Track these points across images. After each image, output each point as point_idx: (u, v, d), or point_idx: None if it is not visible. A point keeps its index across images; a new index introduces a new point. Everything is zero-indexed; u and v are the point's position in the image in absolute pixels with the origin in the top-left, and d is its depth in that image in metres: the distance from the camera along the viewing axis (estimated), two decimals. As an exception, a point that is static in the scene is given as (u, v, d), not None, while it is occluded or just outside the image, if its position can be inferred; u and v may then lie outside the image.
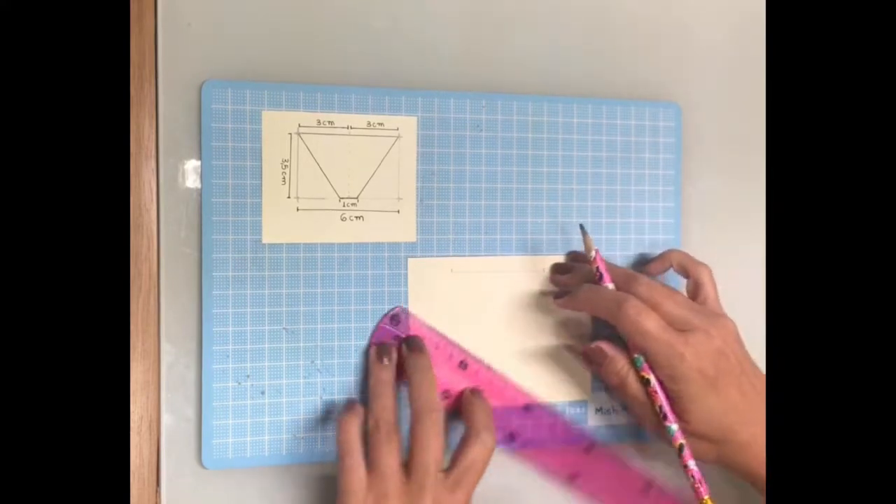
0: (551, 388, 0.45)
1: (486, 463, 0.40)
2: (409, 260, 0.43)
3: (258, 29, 0.41)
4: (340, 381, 0.42)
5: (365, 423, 0.40)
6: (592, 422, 0.46)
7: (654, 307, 0.40)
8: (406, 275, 0.43)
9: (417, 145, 0.43)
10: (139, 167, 0.40)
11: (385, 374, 0.41)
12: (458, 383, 0.44)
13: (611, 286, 0.42)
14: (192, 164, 0.41)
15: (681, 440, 0.41)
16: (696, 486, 0.41)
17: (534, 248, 0.45)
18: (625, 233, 0.46)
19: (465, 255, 0.44)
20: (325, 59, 0.42)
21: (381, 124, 0.43)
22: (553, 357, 0.45)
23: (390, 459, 0.38)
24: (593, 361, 0.43)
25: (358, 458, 0.39)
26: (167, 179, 0.40)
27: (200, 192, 0.41)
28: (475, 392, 0.43)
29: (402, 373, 0.42)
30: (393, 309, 0.43)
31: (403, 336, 0.43)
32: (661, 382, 0.41)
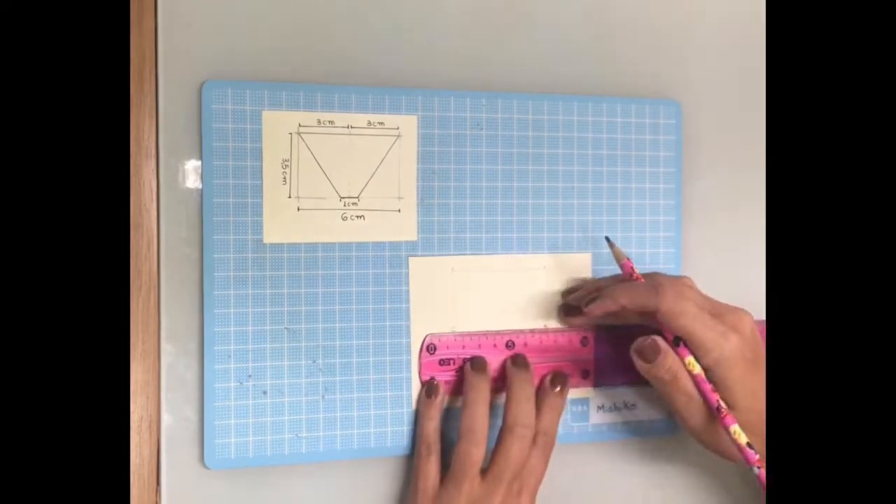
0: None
1: (522, 459, 0.41)
2: (411, 259, 0.43)
3: (258, 29, 0.41)
4: (342, 381, 0.42)
5: (444, 415, 0.43)
6: (594, 419, 0.46)
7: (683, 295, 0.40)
8: (407, 274, 0.43)
9: (418, 144, 0.43)
10: (139, 167, 0.40)
11: (480, 383, 0.42)
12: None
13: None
14: (192, 164, 0.41)
15: (746, 438, 0.39)
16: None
17: (535, 247, 0.45)
18: (626, 230, 0.46)
19: (466, 254, 0.44)
20: (325, 58, 0.42)
21: (381, 123, 0.43)
22: (555, 356, 0.45)
23: (471, 469, 0.40)
24: (646, 357, 0.40)
25: (435, 459, 0.42)
26: (167, 179, 0.40)
27: (201, 192, 0.41)
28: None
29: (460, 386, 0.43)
30: (424, 339, 0.43)
31: (466, 358, 0.44)
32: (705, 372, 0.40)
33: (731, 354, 0.39)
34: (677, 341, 0.40)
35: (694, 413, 0.40)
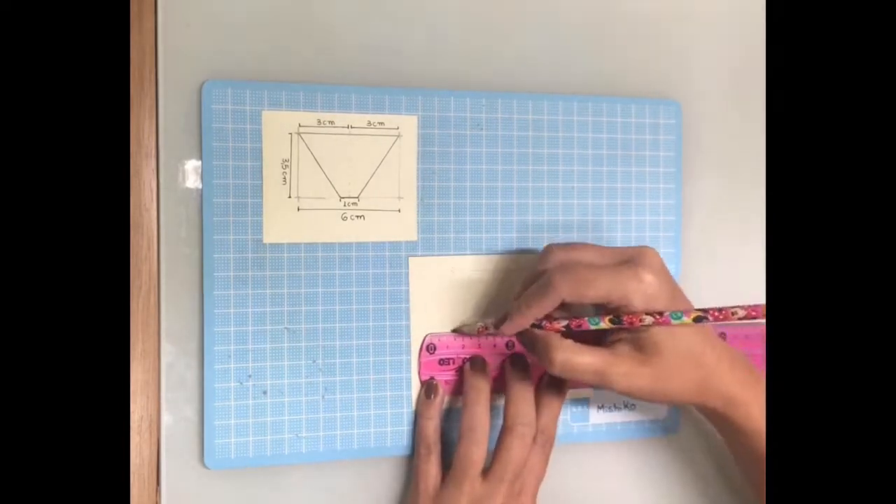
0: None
1: (523, 458, 0.41)
2: (410, 259, 0.43)
3: (258, 29, 0.41)
4: (342, 381, 0.42)
5: (443, 415, 0.43)
6: (594, 419, 0.46)
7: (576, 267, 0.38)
8: (407, 274, 0.43)
9: (418, 144, 0.43)
10: (139, 167, 0.40)
11: (480, 383, 0.42)
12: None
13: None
14: (192, 164, 0.41)
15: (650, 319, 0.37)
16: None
17: (535, 247, 0.45)
18: (626, 230, 0.46)
19: (466, 254, 0.44)
20: (325, 58, 0.42)
21: (381, 123, 0.43)
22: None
23: (472, 469, 0.40)
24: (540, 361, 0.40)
25: (435, 459, 0.42)
26: (167, 179, 0.40)
27: (201, 192, 0.41)
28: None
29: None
30: (424, 339, 0.43)
31: (466, 358, 0.44)
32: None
33: (653, 291, 0.37)
34: (568, 328, 0.39)
35: (608, 369, 0.38)
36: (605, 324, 0.38)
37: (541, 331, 0.40)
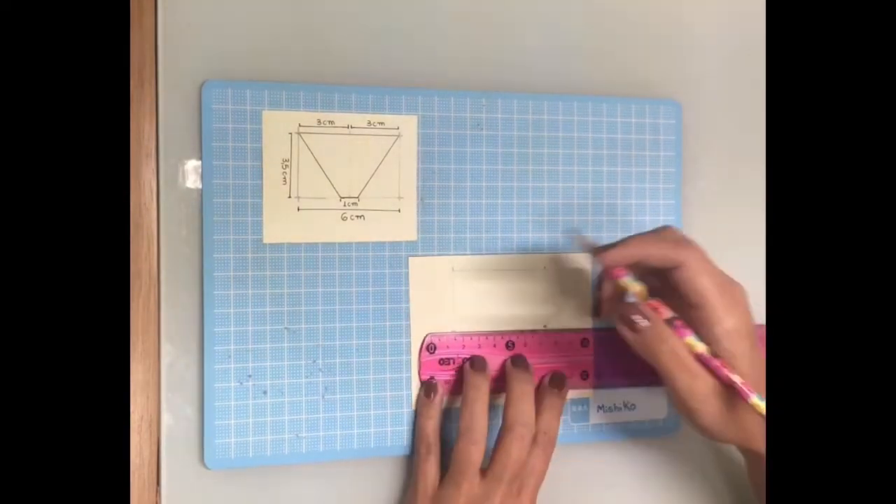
0: (553, 387, 0.45)
1: (522, 458, 0.41)
2: (410, 259, 0.43)
3: (258, 29, 0.41)
4: (342, 381, 0.42)
5: (443, 414, 0.43)
6: (594, 419, 0.46)
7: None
8: (407, 274, 0.43)
9: (418, 144, 0.43)
10: (139, 167, 0.40)
11: (479, 382, 0.42)
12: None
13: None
14: (192, 164, 0.41)
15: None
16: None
17: (535, 247, 0.45)
18: (626, 230, 0.46)
19: (466, 254, 0.44)
20: (325, 58, 0.42)
21: (381, 123, 0.43)
22: (555, 356, 0.45)
23: (470, 468, 0.40)
24: (633, 325, 0.39)
25: (434, 458, 0.42)
26: (167, 179, 0.40)
27: (201, 192, 0.41)
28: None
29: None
30: (425, 338, 0.43)
31: (466, 358, 0.44)
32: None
33: (742, 325, 0.37)
34: (671, 322, 0.38)
35: (699, 394, 0.38)
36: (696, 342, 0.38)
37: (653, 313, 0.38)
